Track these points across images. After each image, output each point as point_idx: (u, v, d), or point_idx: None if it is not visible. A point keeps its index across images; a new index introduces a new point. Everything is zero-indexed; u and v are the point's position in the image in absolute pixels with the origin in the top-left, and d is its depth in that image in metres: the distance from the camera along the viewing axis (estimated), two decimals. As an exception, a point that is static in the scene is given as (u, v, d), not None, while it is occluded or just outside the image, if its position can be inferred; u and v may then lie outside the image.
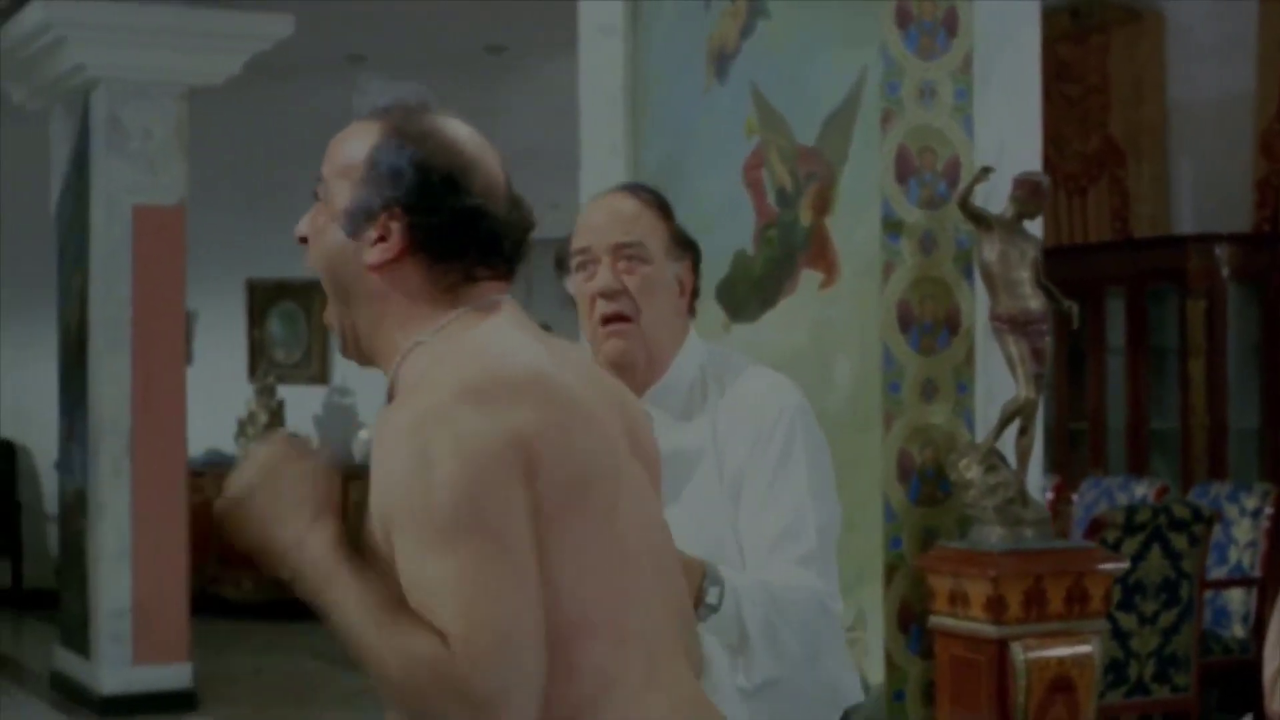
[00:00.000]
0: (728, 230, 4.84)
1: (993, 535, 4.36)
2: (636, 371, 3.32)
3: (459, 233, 2.28)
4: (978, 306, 4.51)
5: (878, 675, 4.39)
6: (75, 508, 9.89)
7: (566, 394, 2.21)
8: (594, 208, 3.40)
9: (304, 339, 13.14)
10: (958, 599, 4.32)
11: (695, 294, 3.39)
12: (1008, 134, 4.54)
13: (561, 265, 3.39)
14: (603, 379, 2.45)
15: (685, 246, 3.35)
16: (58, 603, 12.04)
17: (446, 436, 2.09)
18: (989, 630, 4.26)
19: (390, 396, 2.28)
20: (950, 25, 4.49)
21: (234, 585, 12.15)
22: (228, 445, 12.54)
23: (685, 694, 2.30)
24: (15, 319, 13.38)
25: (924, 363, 4.47)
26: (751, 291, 4.80)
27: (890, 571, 4.46)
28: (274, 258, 12.77)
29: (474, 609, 2.03)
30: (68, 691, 9.81)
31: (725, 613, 3.04)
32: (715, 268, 4.76)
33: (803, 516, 3.20)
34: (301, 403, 12.89)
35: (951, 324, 4.50)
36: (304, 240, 2.35)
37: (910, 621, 4.46)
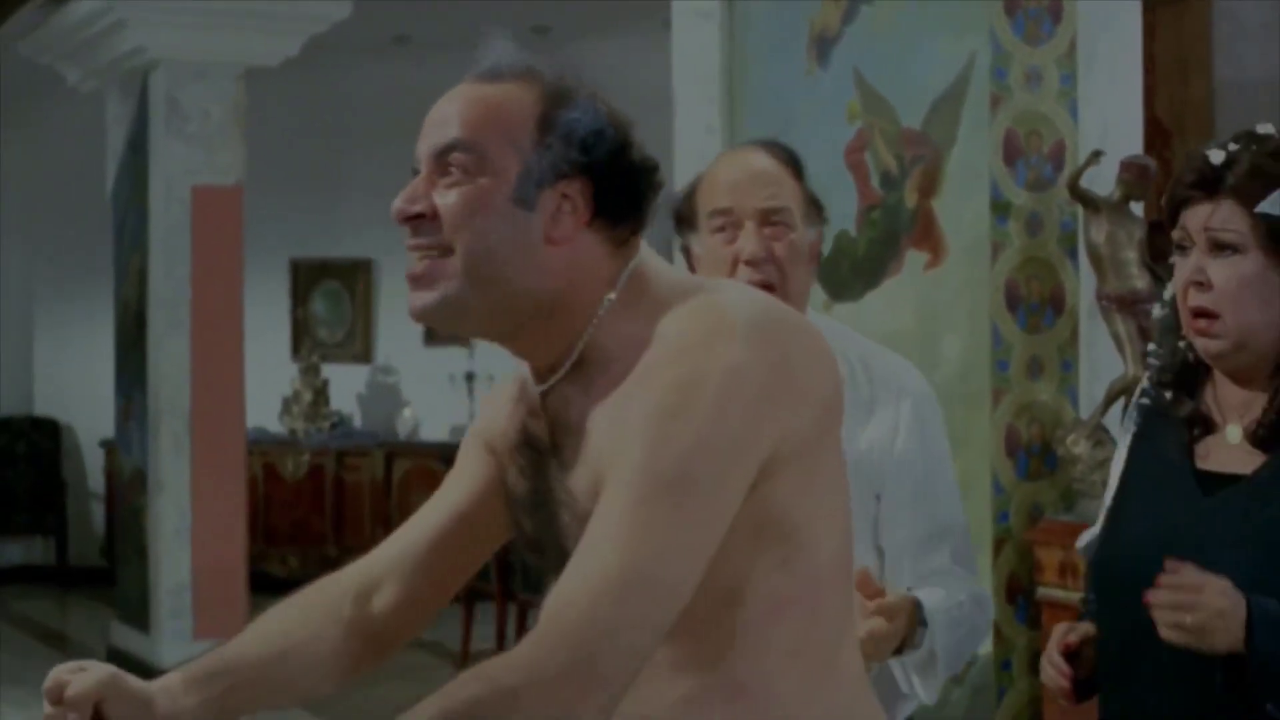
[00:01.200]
0: (829, 212, 4.94)
1: (1099, 509, 4.46)
2: None
3: (637, 195, 2.12)
4: (1082, 286, 4.62)
5: (986, 645, 4.50)
6: (133, 485, 10.01)
7: (811, 333, 2.09)
8: (732, 164, 3.24)
9: (347, 318, 13.25)
10: (1066, 570, 4.44)
11: (819, 258, 3.29)
12: (1111, 118, 4.65)
13: (683, 221, 3.23)
14: None
15: (817, 208, 3.24)
16: (103, 580, 12.19)
17: (706, 377, 1.96)
18: (1098, 600, 4.38)
19: (576, 366, 2.11)
20: (1055, 12, 4.60)
21: (280, 561, 12.27)
22: (272, 424, 12.65)
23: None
24: (55, 300, 13.50)
25: (1030, 341, 4.58)
26: (854, 272, 4.91)
27: (999, 544, 4.58)
28: (317, 237, 12.88)
29: (638, 578, 1.92)
30: (126, 666, 9.89)
31: (923, 649, 3.01)
32: (816, 250, 4.87)
33: (954, 510, 3.24)
34: (345, 381, 13.02)
35: (1056, 303, 4.61)
36: (418, 217, 2.09)
37: (1018, 593, 4.58)
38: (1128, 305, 4.49)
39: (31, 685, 8.27)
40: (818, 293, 4.94)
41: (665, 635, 1.97)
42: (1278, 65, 9.70)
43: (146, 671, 8.06)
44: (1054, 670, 2.83)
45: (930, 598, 3.02)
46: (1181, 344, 2.84)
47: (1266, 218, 2.65)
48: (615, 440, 2.00)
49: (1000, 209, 4.54)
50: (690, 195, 3.18)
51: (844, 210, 4.92)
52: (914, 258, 4.75)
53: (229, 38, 9.51)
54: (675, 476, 1.93)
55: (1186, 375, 2.85)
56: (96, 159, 10.52)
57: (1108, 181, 4.53)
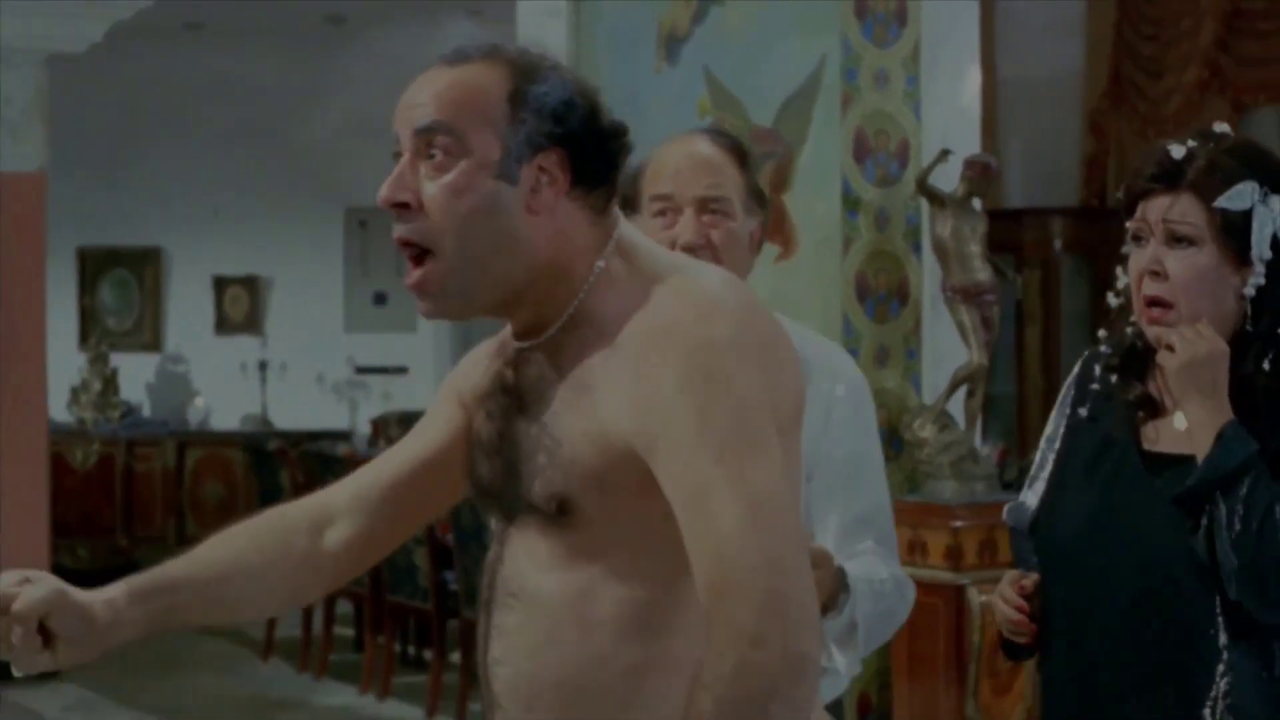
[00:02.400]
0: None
1: (947, 490, 4.73)
2: None
3: (610, 159, 2.21)
4: (925, 278, 4.87)
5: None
6: (-71, 475, 9.86)
7: (775, 323, 2.20)
8: (675, 151, 3.26)
9: (136, 306, 13.13)
10: (916, 548, 4.68)
11: (759, 248, 3.33)
12: (951, 118, 4.90)
13: (627, 203, 3.10)
14: None
15: (759, 199, 3.28)
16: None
17: (725, 348, 2.06)
18: (947, 577, 4.63)
19: (567, 328, 2.21)
20: (901, 16, 4.84)
21: (70, 553, 12.11)
22: (60, 413, 12.49)
23: None
24: None
25: (878, 330, 4.81)
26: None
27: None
28: (106, 225, 12.75)
29: (757, 500, 2.00)
30: (-78, 660, 9.80)
31: (845, 614, 3.06)
32: (666, 240, 5.05)
33: (881, 501, 3.27)
34: (134, 370, 12.89)
35: (902, 295, 4.85)
36: (405, 206, 2.17)
37: (867, 569, 4.81)
38: (971, 296, 4.74)
39: None
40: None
41: (615, 608, 2.13)
42: (1059, 65, 10.13)
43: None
44: (1009, 605, 3.00)
45: (854, 568, 3.11)
46: (1130, 330, 3.01)
47: (1224, 212, 2.85)
48: (640, 408, 2.10)
49: (851, 204, 4.77)
50: (635, 178, 3.22)
51: (694, 204, 5.10)
52: (765, 250, 4.94)
53: (34, 23, 9.40)
54: (734, 430, 2.04)
55: (1134, 360, 3.04)
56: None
57: (951, 178, 4.78)
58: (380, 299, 12.49)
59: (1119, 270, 2.95)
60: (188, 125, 12.46)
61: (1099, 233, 9.83)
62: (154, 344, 13.04)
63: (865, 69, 4.77)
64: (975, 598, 4.62)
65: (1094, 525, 2.87)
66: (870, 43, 4.78)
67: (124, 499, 12.30)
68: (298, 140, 12.21)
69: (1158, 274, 2.86)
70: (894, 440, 4.85)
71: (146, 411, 12.97)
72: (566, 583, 2.20)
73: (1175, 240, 2.85)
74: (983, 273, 4.76)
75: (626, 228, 2.25)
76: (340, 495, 2.42)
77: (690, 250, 3.09)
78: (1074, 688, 3.01)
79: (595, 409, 2.13)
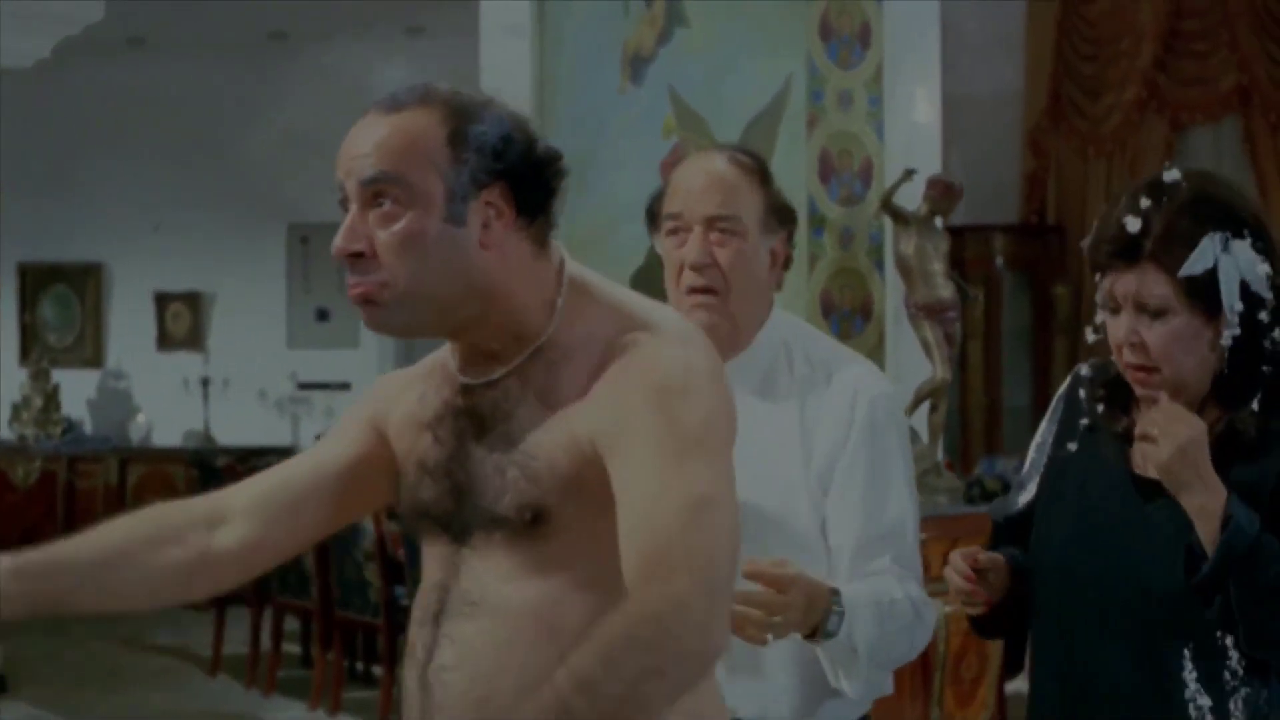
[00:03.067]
0: (643, 224, 5.20)
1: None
2: (720, 344, 3.34)
3: (548, 187, 2.29)
4: (888, 295, 4.97)
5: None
6: (-126, 492, 9.83)
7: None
8: (691, 170, 3.28)
9: (77, 322, 13.10)
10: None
11: (787, 264, 3.50)
12: (913, 138, 5.01)
13: (651, 222, 3.33)
14: None
15: (782, 218, 3.26)
16: None
17: (688, 372, 2.19)
18: (912, 587, 4.72)
19: (533, 357, 2.29)
20: (864, 38, 4.94)
21: (10, 569, 12.08)
22: (1, 430, 12.49)
23: None
24: None
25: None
26: (670, 280, 5.18)
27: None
28: (47, 241, 12.72)
29: (704, 502, 2.10)
30: None
31: (840, 637, 3.05)
32: (632, 258, 5.13)
33: (902, 519, 3.23)
34: (76, 386, 12.86)
35: (865, 311, 4.95)
36: (358, 255, 2.24)
37: (831, 582, 4.90)
38: (935, 313, 4.84)
39: None
40: (633, 300, 5.19)
41: (584, 615, 2.21)
42: (1000, 84, 10.29)
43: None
44: (957, 573, 3.10)
45: (854, 590, 3.10)
46: (1114, 360, 3.10)
47: (1189, 279, 2.94)
48: (606, 412, 2.20)
49: (816, 223, 4.86)
50: (658, 197, 3.29)
51: (659, 222, 5.19)
52: (730, 267, 5.04)
53: (-22, 38, 9.40)
54: (697, 439, 2.15)
55: (1119, 391, 3.13)
56: None
57: (913, 198, 4.88)
58: (323, 315, 12.51)
59: (1098, 302, 3.02)
60: (129, 141, 12.45)
61: (1039, 249, 10.01)
62: (95, 360, 13.01)
63: (830, 90, 4.87)
64: (940, 608, 4.70)
65: (1087, 541, 2.96)
66: (835, 64, 4.87)
67: (65, 516, 12.26)
68: (239, 156, 12.23)
69: (1136, 345, 2.95)
70: (858, 454, 4.94)
71: (88, 428, 12.94)
72: (534, 590, 2.27)
73: (1146, 311, 2.94)
74: (945, 290, 4.86)
75: (571, 262, 2.34)
76: (238, 497, 2.45)
77: (696, 269, 3.15)
78: (1063, 702, 3.11)
79: (567, 421, 2.22)
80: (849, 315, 4.90)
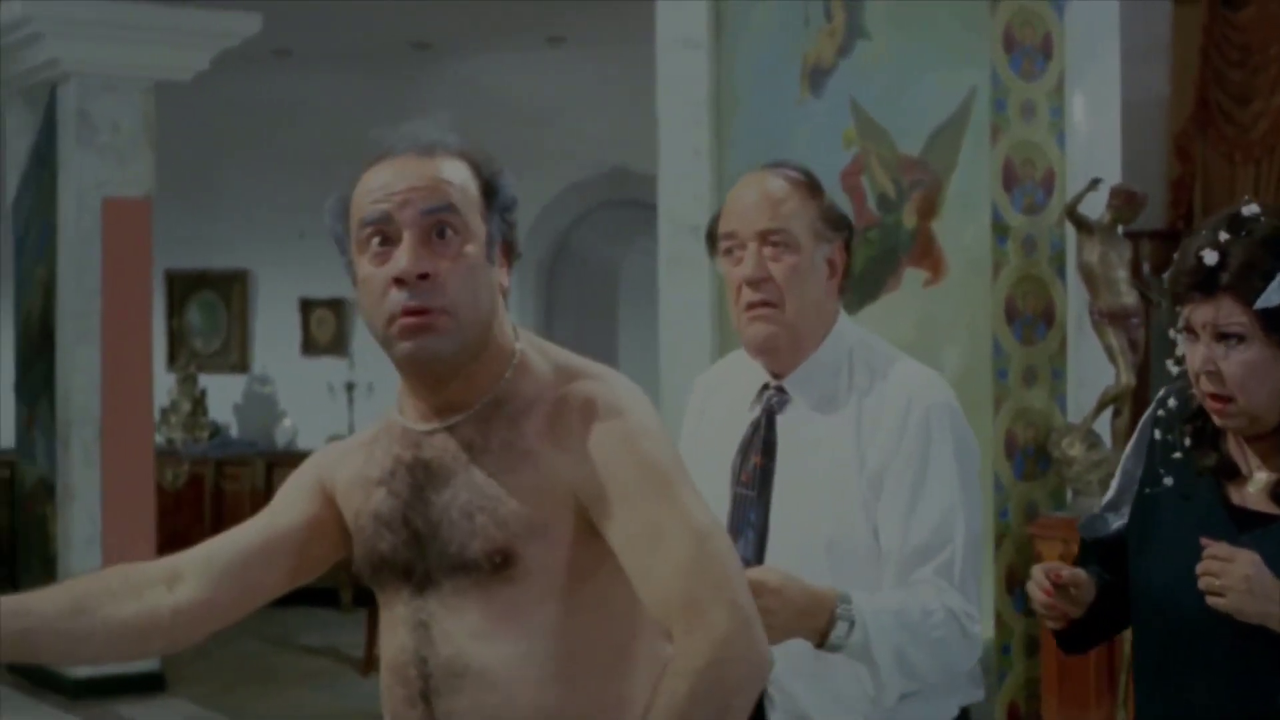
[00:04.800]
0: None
1: (1096, 506, 4.87)
2: (780, 355, 3.32)
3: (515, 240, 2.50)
4: (1070, 302, 5.03)
5: (988, 632, 4.88)
6: (37, 494, 10.06)
7: None
8: (743, 189, 3.36)
9: (223, 329, 13.33)
10: (1066, 561, 4.82)
11: (847, 273, 3.38)
12: (1094, 148, 5.07)
13: (712, 246, 3.39)
14: None
15: (836, 226, 3.32)
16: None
17: (642, 413, 2.39)
18: (1098, 588, 4.78)
19: (493, 402, 2.44)
20: (1046, 49, 5.01)
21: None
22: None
23: None
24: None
25: (1026, 352, 4.98)
26: (850, 288, 5.26)
27: (999, 539, 4.96)
28: (193, 248, 12.96)
29: (705, 533, 2.28)
30: (33, 677, 9.97)
31: (853, 646, 3.08)
32: (811, 266, 5.22)
33: (948, 526, 3.22)
34: (222, 391, 13.10)
35: (1048, 318, 5.02)
36: (426, 277, 2.36)
37: (1015, 584, 4.97)
38: (1119, 320, 4.91)
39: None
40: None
41: (550, 654, 2.37)
42: (1145, 89, 10.27)
43: (56, 682, 8.14)
44: (1037, 586, 3.16)
45: (879, 599, 3.14)
46: (1193, 393, 3.18)
47: (1265, 311, 3.01)
48: (581, 462, 2.36)
49: (1000, 231, 4.93)
50: (715, 221, 3.37)
51: (839, 230, 5.27)
52: (912, 275, 5.13)
53: (139, 51, 9.61)
54: (669, 473, 2.34)
55: (1205, 425, 3.21)
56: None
57: (1095, 207, 4.95)
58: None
59: (1176, 337, 3.09)
60: (275, 150, 12.67)
61: (1185, 254, 9.98)
62: (241, 365, 13.24)
63: (1013, 101, 4.94)
64: (1125, 611, 4.77)
65: (1185, 579, 3.04)
66: (1018, 75, 4.95)
67: (213, 518, 12.50)
68: (381, 165, 12.44)
69: (1213, 373, 3.03)
70: (1041, 459, 5.01)
71: (234, 432, 13.17)
72: (511, 649, 2.39)
73: (1224, 339, 3.01)
74: (1129, 297, 4.92)
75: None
76: (191, 558, 2.61)
77: (753, 284, 3.26)
78: None
79: (537, 466, 2.38)
80: (1031, 321, 4.97)
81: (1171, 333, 3.08)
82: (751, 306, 3.30)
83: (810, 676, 3.36)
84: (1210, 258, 2.97)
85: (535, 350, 2.48)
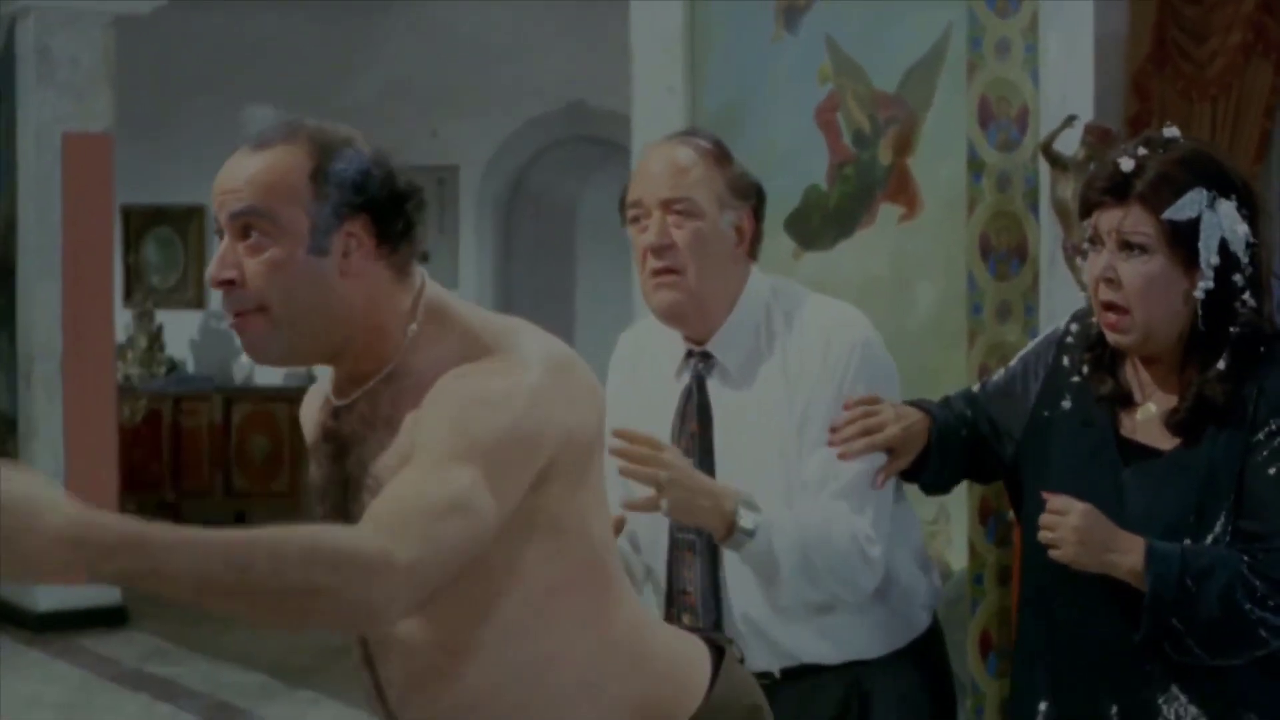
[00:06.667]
0: (798, 168, 5.34)
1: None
2: (688, 321, 3.49)
3: (408, 218, 2.50)
4: (1043, 238, 5.10)
5: (960, 562, 4.96)
6: (1, 430, 10.06)
7: (585, 369, 2.56)
8: (649, 158, 3.51)
9: (180, 264, 13.32)
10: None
11: (757, 238, 3.55)
12: (1068, 85, 5.13)
13: (623, 213, 3.56)
14: None
15: (743, 193, 3.49)
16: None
17: (513, 392, 2.38)
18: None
19: (387, 381, 2.49)
20: (1021, -13, 5.06)
21: (118, 507, 12.32)
22: (107, 369, 12.70)
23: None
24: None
25: (1000, 287, 5.04)
26: (824, 223, 5.32)
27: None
28: (149, 184, 12.92)
29: (456, 502, 2.27)
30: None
31: (759, 541, 3.25)
32: (786, 201, 5.27)
33: (867, 467, 3.42)
34: (179, 327, 13.10)
35: (1021, 254, 5.08)
36: (230, 283, 2.43)
37: (989, 515, 5.04)
38: (1091, 254, 4.97)
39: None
40: (788, 244, 5.34)
41: (462, 620, 2.43)
42: (1102, 26, 10.32)
43: (19, 616, 8.23)
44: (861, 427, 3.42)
45: (772, 509, 3.31)
46: (1095, 320, 3.27)
47: (1172, 223, 3.09)
48: (429, 421, 2.40)
49: (975, 167, 4.99)
50: (625, 189, 3.52)
51: (814, 166, 5.33)
52: (888, 211, 5.18)
53: (101, -14, 9.58)
54: (487, 448, 2.33)
55: (1103, 353, 3.30)
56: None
57: (1068, 144, 5.01)
58: (422, 257, 12.64)
59: (1085, 248, 3.18)
60: (232, 88, 12.63)
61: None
62: (198, 301, 13.26)
63: (988, 38, 4.99)
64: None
65: (1081, 493, 3.15)
66: (993, 12, 4.99)
67: (171, 454, 12.52)
68: (338, 104, 12.44)
69: (1112, 281, 3.11)
70: (1014, 391, 5.08)
71: (191, 368, 13.18)
72: (421, 617, 2.46)
73: (1127, 248, 3.10)
74: (1102, 233, 4.98)
75: (434, 288, 2.56)
76: None
77: (655, 251, 3.40)
78: (1050, 649, 3.30)
79: (399, 445, 2.44)
80: (1005, 257, 5.04)
81: (1084, 247, 3.17)
82: (656, 274, 3.42)
83: (800, 620, 3.47)
84: (1126, 164, 3.08)
85: (440, 325, 2.49)
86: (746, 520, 3.23)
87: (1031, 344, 3.68)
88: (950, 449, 3.57)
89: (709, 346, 3.49)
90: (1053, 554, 3.11)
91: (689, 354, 3.58)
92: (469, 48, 12.10)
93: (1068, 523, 3.07)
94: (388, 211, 2.46)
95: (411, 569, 2.16)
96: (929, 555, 3.91)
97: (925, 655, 3.66)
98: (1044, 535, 3.10)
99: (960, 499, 4.97)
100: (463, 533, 2.24)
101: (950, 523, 5.06)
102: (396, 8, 12.38)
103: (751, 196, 3.53)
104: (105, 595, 9.80)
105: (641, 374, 3.70)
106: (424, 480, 2.27)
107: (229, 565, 2.02)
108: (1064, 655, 3.28)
